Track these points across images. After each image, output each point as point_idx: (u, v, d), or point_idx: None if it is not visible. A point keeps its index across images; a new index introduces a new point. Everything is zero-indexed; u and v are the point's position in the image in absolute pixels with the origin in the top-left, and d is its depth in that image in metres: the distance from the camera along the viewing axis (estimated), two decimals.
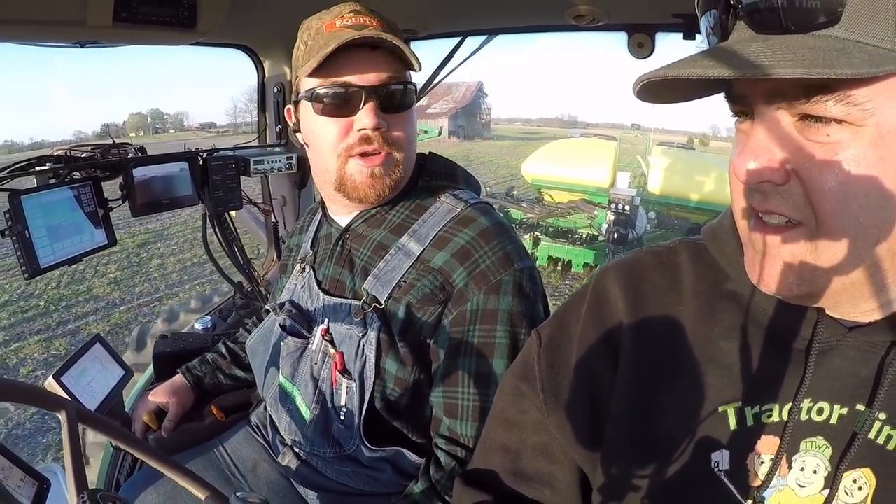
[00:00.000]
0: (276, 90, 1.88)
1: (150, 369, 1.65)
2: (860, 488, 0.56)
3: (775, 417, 0.58)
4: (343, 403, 1.01)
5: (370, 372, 0.98)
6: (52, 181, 1.28)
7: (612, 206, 7.89)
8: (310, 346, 1.09)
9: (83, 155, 1.40)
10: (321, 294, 1.09)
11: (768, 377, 0.58)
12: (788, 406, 0.57)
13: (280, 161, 1.78)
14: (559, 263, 7.97)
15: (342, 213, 1.11)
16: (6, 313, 6.86)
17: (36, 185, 1.25)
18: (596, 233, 8.25)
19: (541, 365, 0.71)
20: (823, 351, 0.56)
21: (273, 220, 1.99)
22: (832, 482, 0.56)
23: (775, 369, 0.58)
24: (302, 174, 1.93)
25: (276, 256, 2.03)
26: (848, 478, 0.56)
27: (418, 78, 1.06)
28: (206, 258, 1.74)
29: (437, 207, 1.04)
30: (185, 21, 1.30)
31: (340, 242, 1.10)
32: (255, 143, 1.97)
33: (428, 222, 1.03)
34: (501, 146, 36.20)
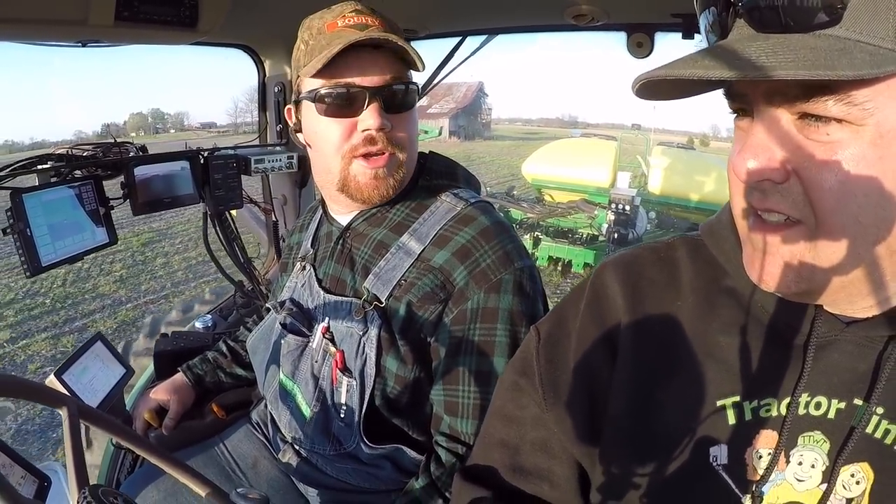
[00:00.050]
0: (276, 89, 1.89)
1: (151, 367, 1.65)
2: (858, 482, 0.56)
3: (773, 412, 0.58)
4: (343, 401, 1.01)
5: (370, 370, 0.99)
6: (53, 180, 1.28)
7: (613, 206, 7.91)
8: (310, 344, 1.09)
9: (85, 154, 1.40)
10: (322, 292, 1.09)
11: (766, 372, 0.58)
12: (787, 401, 0.57)
13: (281, 160, 1.78)
14: (559, 263, 7.98)
15: (343, 212, 1.11)
16: (12, 311, 6.94)
17: (37, 184, 1.25)
18: (596, 233, 8.26)
19: (539, 360, 0.71)
20: (821, 346, 0.56)
21: (273, 219, 2.00)
22: (830, 476, 0.56)
23: (773, 364, 0.58)
24: (302, 173, 1.94)
25: (276, 255, 2.04)
26: (846, 472, 0.56)
27: (419, 78, 1.06)
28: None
29: (437, 206, 1.05)
30: (186, 20, 1.30)
31: (341, 241, 1.10)
32: (256, 142, 1.98)
33: (428, 221, 1.03)
34: (502, 146, 36.26)
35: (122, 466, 1.50)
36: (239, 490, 0.72)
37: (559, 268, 8.00)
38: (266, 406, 1.26)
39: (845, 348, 0.56)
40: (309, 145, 1.07)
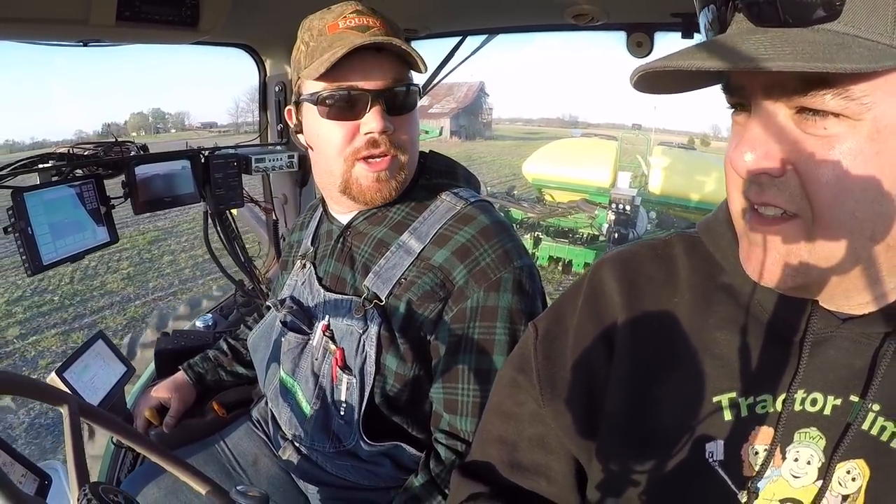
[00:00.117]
0: (277, 89, 1.89)
1: (152, 366, 1.66)
2: (854, 479, 0.56)
3: (770, 408, 0.58)
4: (343, 399, 1.02)
5: (370, 368, 0.99)
6: (54, 179, 1.29)
7: (613, 205, 7.91)
8: (310, 342, 1.09)
9: (86, 153, 1.41)
10: (322, 290, 1.10)
11: (763, 368, 0.58)
12: (783, 397, 0.57)
13: (281, 159, 1.78)
14: (560, 263, 7.97)
15: (343, 212, 1.12)
16: (21, 308, 7.01)
17: (39, 183, 1.25)
18: (597, 233, 8.27)
19: (537, 356, 0.71)
20: (817, 342, 0.56)
21: (274, 218, 2.00)
22: (826, 473, 0.56)
23: (770, 360, 0.58)
24: (303, 173, 1.94)
25: (276, 254, 2.04)
26: (842, 469, 0.56)
27: (419, 78, 1.07)
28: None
29: (437, 205, 1.05)
30: (187, 20, 1.31)
31: (341, 239, 1.10)
32: (257, 141, 1.98)
33: (428, 220, 1.03)
34: (503, 146, 36.30)
35: (122, 464, 1.51)
36: (239, 488, 0.72)
37: (560, 267, 8.00)
38: (266, 404, 1.26)
39: (841, 345, 0.56)
40: (310, 147, 1.07)
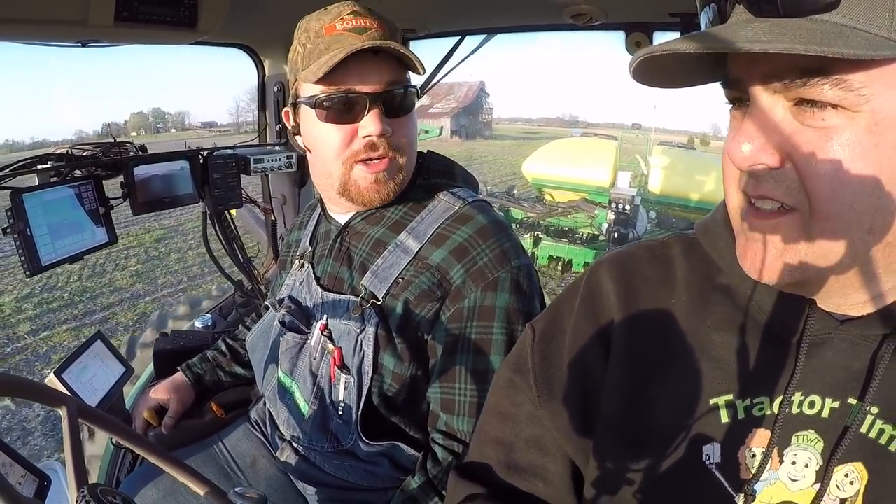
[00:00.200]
0: (276, 89, 1.89)
1: (151, 367, 1.66)
2: (852, 482, 0.56)
3: (767, 411, 0.58)
4: (341, 398, 1.02)
5: (368, 367, 0.99)
6: (53, 179, 1.29)
7: (613, 205, 7.90)
8: (308, 341, 1.09)
9: (84, 153, 1.41)
10: (320, 290, 1.10)
11: (760, 370, 0.58)
12: (780, 399, 0.57)
13: (280, 160, 1.78)
14: (559, 263, 7.97)
15: (341, 212, 1.12)
16: (30, 304, 7.07)
17: (37, 184, 1.25)
18: (596, 232, 8.26)
19: (534, 358, 0.71)
20: (815, 344, 0.56)
21: (273, 218, 2.00)
22: (824, 476, 0.56)
23: (767, 362, 0.58)
24: (301, 173, 1.94)
25: (275, 255, 2.04)
26: (840, 472, 0.56)
27: (418, 78, 1.07)
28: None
29: (435, 205, 1.05)
30: (185, 20, 1.31)
31: (339, 239, 1.10)
32: (256, 141, 1.98)
33: (426, 220, 1.03)
34: (503, 146, 36.37)
35: (121, 465, 1.51)
36: (237, 489, 0.72)
37: (559, 267, 8.00)
38: (265, 404, 1.26)
39: (839, 346, 0.55)
40: (308, 149, 1.07)
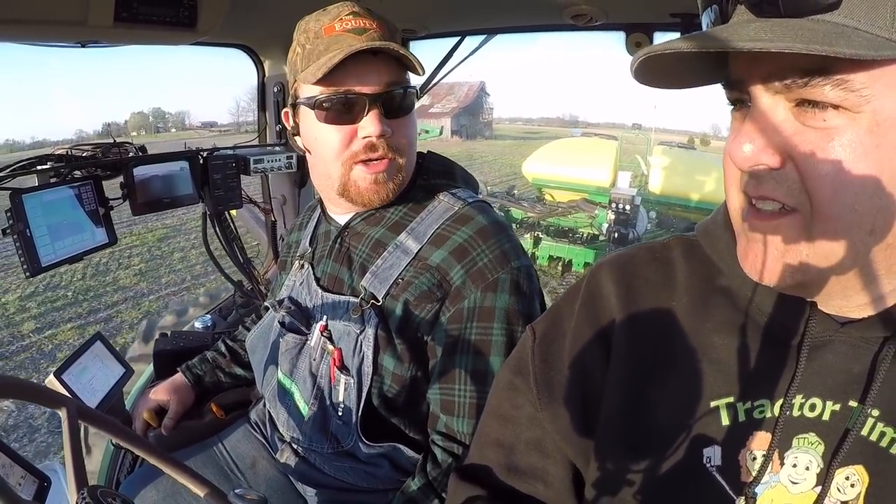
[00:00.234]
0: (275, 90, 1.89)
1: (151, 367, 1.66)
2: (853, 485, 0.56)
3: (767, 413, 0.57)
4: (341, 400, 1.02)
5: (368, 368, 0.99)
6: (53, 180, 1.29)
7: (613, 205, 7.90)
8: (308, 342, 1.09)
9: (84, 154, 1.41)
10: (320, 291, 1.10)
11: (761, 373, 0.58)
12: (781, 402, 0.57)
13: (280, 160, 1.78)
14: (560, 263, 7.97)
15: (341, 213, 1.12)
16: (34, 303, 7.12)
17: (37, 184, 1.25)
18: (597, 232, 8.27)
19: (534, 360, 0.71)
20: (816, 346, 0.56)
21: (273, 219, 2.00)
22: (824, 479, 0.56)
23: (768, 365, 0.58)
24: (301, 173, 1.94)
25: (275, 255, 2.04)
26: (840, 475, 0.56)
27: (418, 79, 1.06)
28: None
29: (435, 206, 1.05)
30: (185, 21, 1.31)
31: (339, 240, 1.10)
32: (256, 142, 1.98)
33: (426, 220, 1.03)
34: (504, 145, 36.41)
35: (121, 466, 1.51)
36: (237, 490, 0.72)
37: (559, 267, 8.00)
38: (265, 406, 1.26)
39: (840, 349, 0.55)
40: (308, 150, 1.06)
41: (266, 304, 1.28)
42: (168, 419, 1.33)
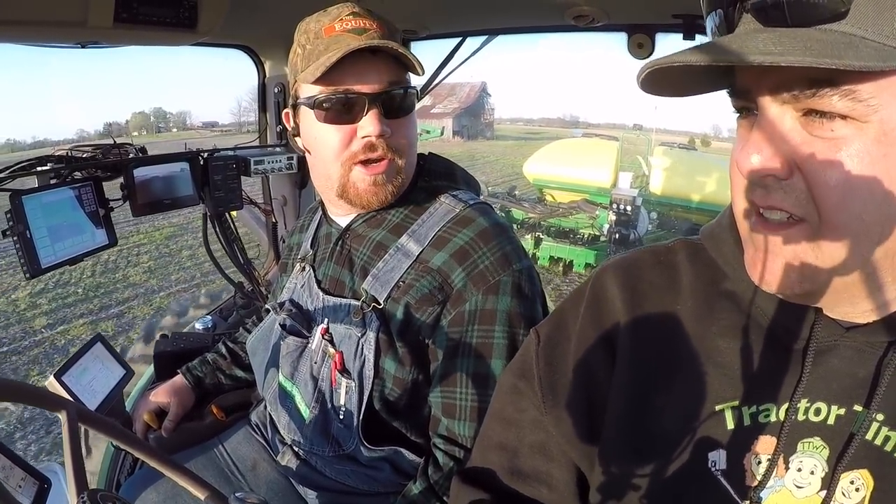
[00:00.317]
0: (276, 90, 1.88)
1: (151, 369, 1.65)
2: (857, 490, 0.55)
3: (773, 417, 0.57)
4: (342, 403, 1.01)
5: (369, 371, 0.99)
6: (53, 181, 1.28)
7: (614, 206, 7.91)
8: (309, 345, 1.09)
9: (84, 155, 1.40)
10: (321, 293, 1.09)
11: (766, 377, 0.58)
12: (786, 406, 0.56)
13: (280, 161, 1.78)
14: (561, 263, 7.97)
15: (342, 215, 1.11)
16: (45, 300, 7.20)
17: (37, 185, 1.25)
18: (597, 233, 8.27)
19: (539, 363, 0.71)
20: (821, 351, 0.56)
21: (273, 220, 2.00)
22: (829, 483, 0.56)
23: (773, 369, 0.58)
24: (302, 174, 1.94)
25: (276, 257, 2.04)
26: (845, 479, 0.56)
27: (418, 79, 1.06)
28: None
29: (436, 208, 1.05)
30: (185, 21, 1.30)
31: (340, 242, 1.10)
32: (256, 143, 1.97)
33: (427, 223, 1.03)
34: (505, 146, 36.49)
35: (122, 468, 1.50)
36: (237, 494, 0.71)
37: (560, 268, 8.00)
38: (265, 408, 1.25)
39: (845, 353, 0.55)
40: (308, 151, 1.06)
41: (267, 306, 1.27)
42: (168, 421, 1.33)
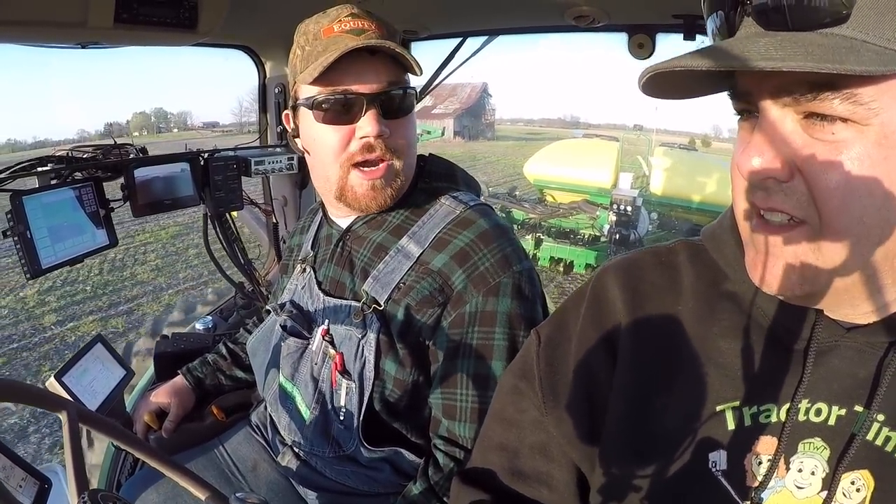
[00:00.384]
0: (276, 91, 1.89)
1: (151, 369, 1.65)
2: (858, 490, 0.56)
3: (773, 418, 0.57)
4: (342, 404, 1.01)
5: (369, 373, 0.99)
6: (53, 182, 1.28)
7: (614, 206, 7.92)
8: (310, 346, 1.09)
9: (85, 155, 1.40)
10: (321, 295, 1.09)
11: (767, 377, 0.58)
12: (787, 406, 0.57)
13: (281, 161, 1.78)
14: (561, 264, 7.97)
15: (342, 216, 1.11)
16: (53, 297, 7.27)
17: (38, 186, 1.25)
18: (598, 233, 8.28)
19: (539, 364, 0.71)
20: (822, 351, 0.56)
21: (274, 220, 2.00)
22: (830, 484, 0.56)
23: (774, 369, 0.58)
24: (303, 175, 1.93)
25: (276, 257, 2.04)
26: (846, 479, 0.56)
27: (418, 80, 1.06)
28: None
29: (436, 209, 1.04)
30: (185, 22, 1.30)
31: (340, 244, 1.10)
32: (257, 143, 1.97)
33: (427, 224, 1.03)
34: (506, 146, 36.52)
35: (122, 468, 1.50)
36: (238, 494, 0.71)
37: (561, 268, 8.00)
38: (266, 408, 1.25)
39: (846, 354, 0.55)
40: (307, 151, 1.06)
41: (268, 307, 1.27)
42: (169, 422, 1.33)
